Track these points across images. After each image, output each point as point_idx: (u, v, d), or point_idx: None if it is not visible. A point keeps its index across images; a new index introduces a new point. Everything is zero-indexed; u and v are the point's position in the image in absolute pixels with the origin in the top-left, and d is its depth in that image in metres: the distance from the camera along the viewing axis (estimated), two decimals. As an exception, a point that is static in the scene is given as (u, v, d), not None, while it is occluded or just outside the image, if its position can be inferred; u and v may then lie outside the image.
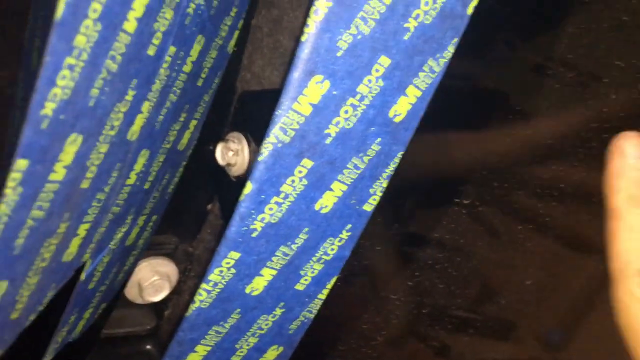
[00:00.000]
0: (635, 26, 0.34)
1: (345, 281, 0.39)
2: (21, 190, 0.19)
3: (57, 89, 0.18)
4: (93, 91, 0.20)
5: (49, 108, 0.18)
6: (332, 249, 0.33)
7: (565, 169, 0.44)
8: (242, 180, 0.41)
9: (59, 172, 0.21)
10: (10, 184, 0.19)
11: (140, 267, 0.46)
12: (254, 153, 0.41)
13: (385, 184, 0.31)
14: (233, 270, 0.30)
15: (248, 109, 0.43)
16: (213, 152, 0.42)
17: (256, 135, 0.41)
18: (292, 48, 0.41)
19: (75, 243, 0.26)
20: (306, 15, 0.25)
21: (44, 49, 0.18)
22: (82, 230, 0.26)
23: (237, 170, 0.41)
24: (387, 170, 0.31)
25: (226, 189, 0.44)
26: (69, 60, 0.18)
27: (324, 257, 0.33)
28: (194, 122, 0.34)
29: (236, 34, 0.34)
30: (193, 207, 0.48)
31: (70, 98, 0.19)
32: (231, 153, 0.40)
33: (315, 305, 0.34)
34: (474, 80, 0.42)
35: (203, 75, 0.31)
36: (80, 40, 0.19)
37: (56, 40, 0.17)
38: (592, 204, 0.44)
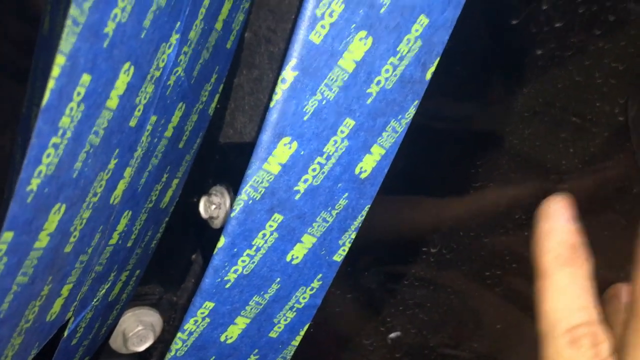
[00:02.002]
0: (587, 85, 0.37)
1: (318, 328, 0.40)
2: (6, 259, 0.21)
3: (42, 167, 0.20)
4: (77, 164, 0.22)
5: (34, 184, 0.20)
6: (304, 298, 0.34)
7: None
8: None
9: (43, 240, 0.23)
10: (-4, 255, 0.20)
11: (125, 318, 0.47)
12: (235, 205, 0.42)
13: (353, 235, 0.33)
14: (207, 320, 0.32)
15: (229, 162, 0.45)
16: (197, 204, 0.43)
17: (236, 187, 0.43)
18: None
19: (58, 303, 0.27)
20: (282, 67, 0.28)
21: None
22: (65, 290, 0.27)
23: (219, 222, 0.42)
24: (355, 223, 0.33)
25: (209, 240, 0.46)
26: (54, 140, 0.20)
27: (296, 305, 0.34)
28: (175, 181, 0.36)
29: (217, 97, 0.36)
30: (177, 258, 0.50)
31: (55, 173, 0.21)
32: (213, 207, 0.42)
33: (289, 351, 0.35)
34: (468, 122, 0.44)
35: (184, 138, 0.33)
36: (64, 121, 0.20)
37: (42, 123, 0.19)
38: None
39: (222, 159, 0.46)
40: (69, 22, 0.19)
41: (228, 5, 0.30)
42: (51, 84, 0.19)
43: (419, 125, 0.33)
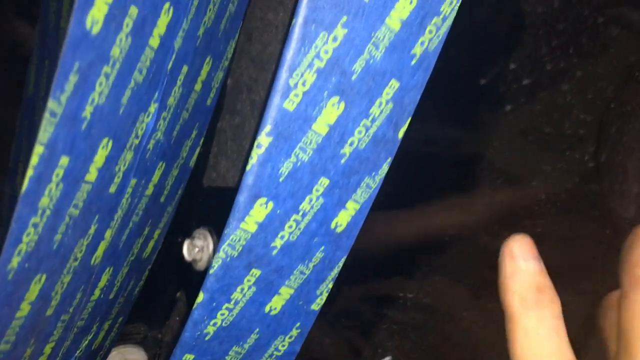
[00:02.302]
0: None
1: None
2: (-12, 332, 0.22)
3: (22, 245, 0.21)
4: (56, 237, 0.23)
5: (14, 262, 0.21)
6: (283, 346, 0.35)
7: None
8: (206, 273, 0.44)
9: (24, 309, 0.23)
10: (-23, 329, 0.21)
11: (111, 356, 0.47)
12: (218, 247, 0.43)
13: (330, 285, 0.34)
14: (188, 372, 0.32)
15: (213, 205, 0.46)
16: (181, 245, 0.44)
17: (219, 230, 0.44)
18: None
19: (41, 360, 0.28)
20: (256, 132, 0.29)
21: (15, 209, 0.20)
22: (48, 348, 0.28)
23: (202, 265, 0.43)
24: (332, 273, 0.34)
25: (192, 280, 0.47)
26: (34, 219, 0.21)
27: (275, 353, 0.35)
28: (157, 232, 0.37)
29: (198, 150, 0.37)
30: (162, 296, 0.50)
31: (34, 248, 0.22)
32: (197, 249, 0.43)
33: (270, 400, 0.36)
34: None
35: (165, 192, 0.34)
36: (44, 201, 0.21)
37: (22, 207, 0.20)
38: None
39: (206, 202, 0.46)
40: (46, 114, 0.20)
41: (207, 68, 0.32)
42: (30, 172, 0.20)
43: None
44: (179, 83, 0.29)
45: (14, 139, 0.37)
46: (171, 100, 0.29)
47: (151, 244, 0.37)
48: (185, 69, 0.29)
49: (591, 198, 0.45)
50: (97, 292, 0.31)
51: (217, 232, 0.44)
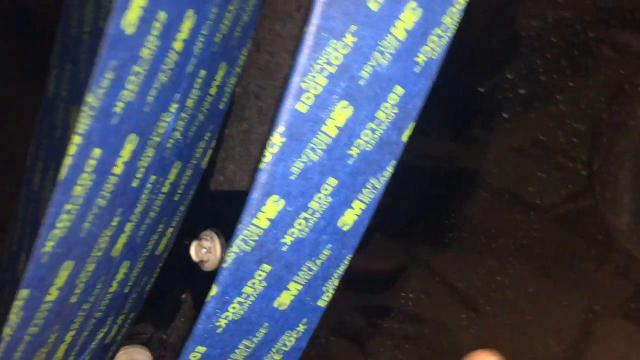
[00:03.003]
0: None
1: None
2: (22, 314, 0.23)
3: (56, 231, 0.23)
4: (85, 225, 0.25)
5: (48, 246, 0.23)
6: (290, 341, 0.36)
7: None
8: (213, 274, 0.45)
9: (52, 294, 0.25)
10: (14, 310, 0.23)
11: (118, 356, 0.48)
12: (225, 249, 0.45)
13: (336, 282, 0.36)
14: (200, 364, 0.34)
15: (220, 208, 0.48)
16: (188, 247, 0.46)
17: (227, 233, 0.45)
18: (261, 158, 0.46)
19: (62, 348, 0.30)
20: (270, 131, 0.30)
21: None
22: (69, 337, 0.30)
23: (209, 266, 0.45)
24: (337, 271, 0.35)
25: (199, 281, 0.48)
26: (67, 206, 0.23)
27: (282, 348, 0.36)
28: (170, 230, 0.39)
29: (209, 152, 0.39)
30: (168, 297, 0.51)
31: (66, 234, 0.24)
32: (204, 250, 0.44)
33: (276, 393, 0.37)
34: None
35: (179, 192, 0.36)
36: (77, 190, 0.23)
37: (58, 195, 0.22)
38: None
39: (213, 205, 0.48)
40: (85, 107, 0.22)
41: (221, 73, 0.34)
42: (68, 160, 0.22)
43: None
44: (197, 86, 0.31)
45: (30, 139, 0.38)
46: (189, 102, 0.31)
47: (164, 241, 0.39)
48: (203, 72, 0.31)
49: (581, 215, 0.47)
50: (114, 285, 0.32)
51: (225, 234, 0.45)
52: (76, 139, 0.22)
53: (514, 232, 0.47)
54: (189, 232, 0.47)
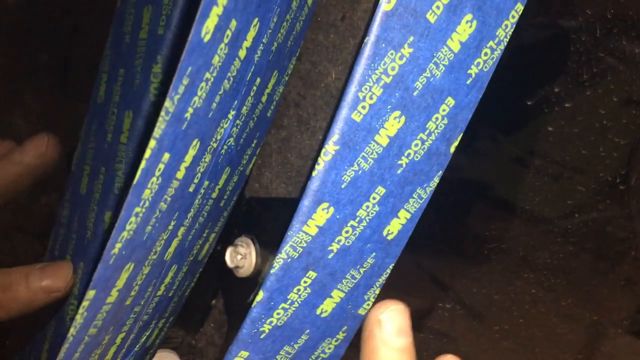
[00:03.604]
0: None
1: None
2: (86, 314, 0.24)
3: (125, 232, 0.23)
4: (147, 228, 0.25)
5: (117, 248, 0.23)
6: (329, 348, 0.36)
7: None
8: (247, 280, 0.46)
9: (113, 296, 0.25)
10: (80, 310, 0.23)
11: (149, 360, 0.49)
12: (260, 255, 0.45)
13: (378, 291, 0.36)
14: (242, 369, 0.34)
15: (255, 214, 0.48)
16: (221, 252, 0.46)
17: (262, 239, 0.46)
18: (299, 166, 0.47)
19: (112, 350, 0.30)
20: (324, 140, 0.31)
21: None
22: (119, 339, 0.30)
23: (244, 272, 0.45)
24: (380, 280, 0.36)
25: (232, 287, 0.48)
26: (137, 209, 0.23)
27: (321, 355, 0.36)
28: (213, 235, 0.39)
29: (254, 159, 0.39)
30: (199, 303, 0.52)
31: (132, 237, 0.24)
32: (239, 257, 0.44)
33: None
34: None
35: (225, 197, 0.36)
36: (146, 193, 0.23)
37: (131, 197, 0.22)
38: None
39: (248, 211, 0.48)
40: (162, 113, 0.22)
41: (273, 81, 0.34)
42: (143, 164, 0.22)
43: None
44: (252, 94, 0.31)
45: (77, 145, 0.38)
46: (244, 110, 0.31)
47: (207, 246, 0.39)
48: (258, 80, 0.31)
49: (615, 232, 0.47)
50: (162, 288, 0.33)
51: (260, 241, 0.45)
52: (152, 144, 0.22)
53: (549, 247, 0.47)
54: (222, 238, 0.47)
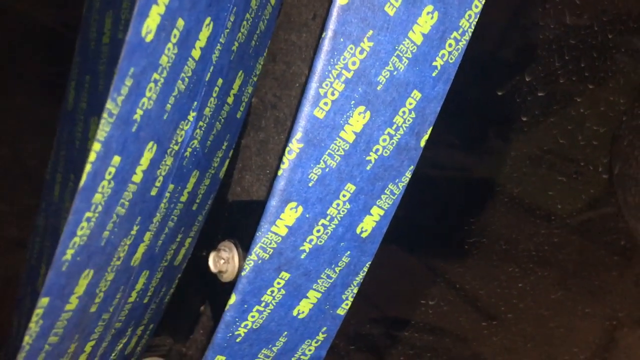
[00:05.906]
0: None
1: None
2: (42, 322, 0.23)
3: (76, 238, 0.23)
4: (105, 233, 0.25)
5: (69, 254, 0.23)
6: (310, 350, 0.36)
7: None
8: (232, 285, 0.45)
9: (73, 303, 0.25)
10: (34, 318, 0.23)
11: (137, 369, 0.48)
12: (243, 259, 0.45)
13: (355, 290, 0.35)
14: (220, 374, 0.33)
15: (238, 218, 0.48)
16: (206, 258, 0.46)
17: (244, 242, 0.45)
18: (277, 167, 0.46)
19: (82, 359, 0.29)
20: (287, 141, 0.30)
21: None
22: (89, 347, 0.29)
23: (228, 277, 0.44)
24: (357, 278, 0.35)
25: (217, 293, 0.48)
26: (88, 214, 0.23)
27: (302, 357, 0.36)
28: (189, 240, 0.39)
29: (227, 162, 0.39)
30: (187, 310, 0.51)
31: (86, 242, 0.23)
32: (222, 261, 0.44)
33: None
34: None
35: (197, 201, 0.36)
36: (97, 197, 0.23)
37: (79, 202, 0.22)
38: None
39: (231, 215, 0.48)
40: (104, 114, 0.22)
41: (238, 82, 0.34)
42: (88, 167, 0.22)
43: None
44: (214, 95, 0.31)
45: (49, 153, 0.38)
46: (207, 111, 0.31)
47: (182, 251, 0.39)
48: (220, 81, 0.31)
49: (603, 221, 0.46)
50: (133, 295, 0.32)
51: (243, 245, 0.45)
52: (96, 146, 0.22)
53: (534, 239, 0.46)
54: (206, 243, 0.47)
